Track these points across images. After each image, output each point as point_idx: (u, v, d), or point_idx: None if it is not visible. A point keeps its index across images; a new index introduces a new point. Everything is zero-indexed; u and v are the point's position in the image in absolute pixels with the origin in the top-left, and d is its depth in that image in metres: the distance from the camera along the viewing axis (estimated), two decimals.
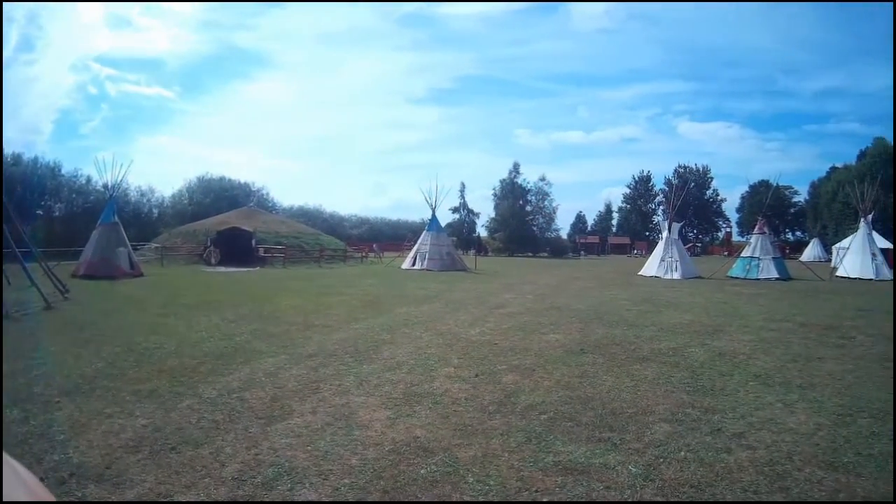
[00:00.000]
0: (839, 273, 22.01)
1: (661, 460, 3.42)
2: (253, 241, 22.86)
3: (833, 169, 52.62)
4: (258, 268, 20.21)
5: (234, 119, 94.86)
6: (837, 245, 31.32)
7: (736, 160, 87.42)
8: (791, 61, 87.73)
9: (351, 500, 2.68)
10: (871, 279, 20.37)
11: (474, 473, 3.03)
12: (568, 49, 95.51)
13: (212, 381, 4.67)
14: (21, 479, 0.54)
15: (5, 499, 0.47)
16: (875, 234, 25.29)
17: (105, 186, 17.27)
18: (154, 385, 4.51)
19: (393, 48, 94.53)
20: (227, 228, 23.77)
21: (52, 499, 0.61)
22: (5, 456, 0.53)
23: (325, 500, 2.65)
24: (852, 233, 25.48)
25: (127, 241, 16.47)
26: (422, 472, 3.00)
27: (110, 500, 2.49)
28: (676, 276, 20.00)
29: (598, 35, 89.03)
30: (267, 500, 2.61)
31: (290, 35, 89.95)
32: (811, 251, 42.74)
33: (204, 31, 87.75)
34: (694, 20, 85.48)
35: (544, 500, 2.85)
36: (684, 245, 26.68)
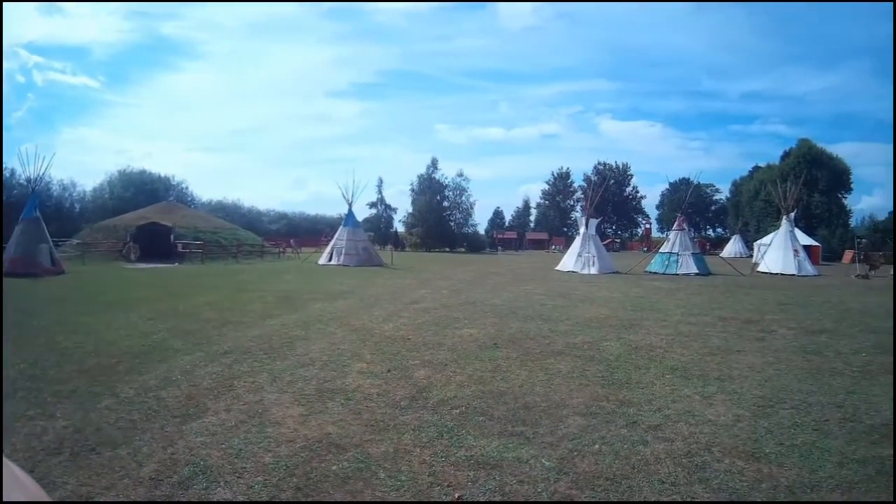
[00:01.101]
0: (761, 268, 31.66)
1: (576, 453, 4.58)
2: (172, 237, 31.94)
3: (756, 168, 75.37)
4: (177, 264, 28.47)
5: (157, 110, 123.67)
6: (759, 241, 44.06)
7: (658, 158, 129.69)
8: (718, 64, 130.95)
9: (265, 499, 3.74)
10: (793, 275, 28.68)
11: (386, 469, 4.11)
12: (492, 46, 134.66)
13: (129, 380, 6.38)
14: (19, 481, 0.76)
15: (5, 499, 0.68)
16: (798, 232, 35.31)
17: (28, 180, 24.43)
18: (74, 385, 6.13)
19: (317, 41, 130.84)
20: (146, 224, 32.97)
21: (50, 499, 0.85)
22: (4, 459, 0.73)
23: (260, 500, 3.70)
24: (774, 230, 35.99)
25: (48, 238, 22.63)
26: (333, 468, 4.09)
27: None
28: (594, 271, 27.61)
29: (523, 33, 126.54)
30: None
31: (216, 25, 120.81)
32: (732, 247, 60.28)
33: (132, 19, 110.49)
34: (622, 21, 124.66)
35: (457, 494, 3.80)
36: (603, 241, 35.14)
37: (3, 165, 41.88)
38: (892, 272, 29.52)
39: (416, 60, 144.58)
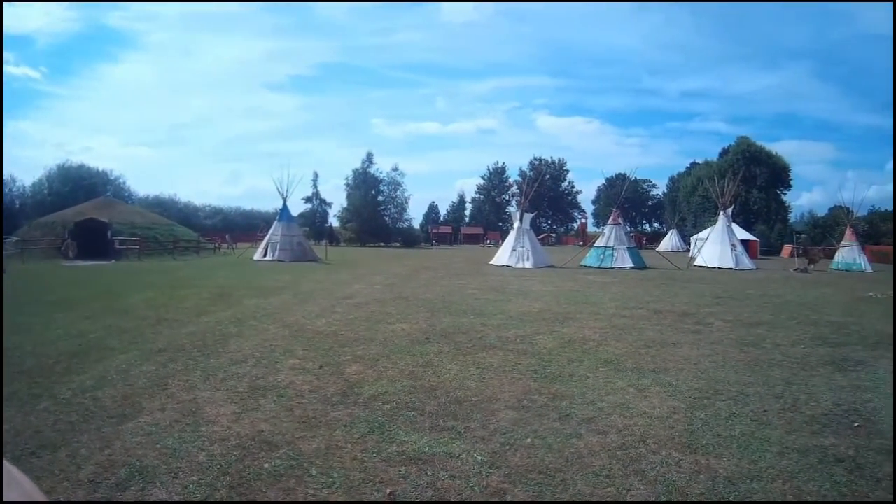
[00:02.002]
0: (697, 263, 33.49)
1: (507, 447, 4.78)
2: (109, 234, 33.46)
3: (693, 164, 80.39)
4: (114, 261, 30.21)
5: (98, 103, 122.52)
6: (696, 236, 46.90)
7: (595, 154, 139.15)
8: (659, 62, 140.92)
9: (200, 498, 3.93)
10: (730, 268, 30.70)
11: (318, 466, 4.35)
12: (431, 40, 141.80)
13: (67, 380, 6.61)
14: (17, 482, 0.82)
15: (4, 499, 0.74)
16: (735, 227, 37.66)
17: None
18: (14, 388, 6.29)
19: (256, 33, 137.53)
20: (83, 220, 34.41)
21: (46, 499, 0.92)
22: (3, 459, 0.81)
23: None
24: (711, 225, 37.74)
25: None
26: (266, 466, 4.33)
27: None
28: (528, 265, 28.84)
29: (463, 28, 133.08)
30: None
31: (158, 15, 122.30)
32: (669, 242, 64.03)
33: (76, 8, 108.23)
34: (564, 18, 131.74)
35: (388, 490, 4.01)
36: (538, 235, 37.08)
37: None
38: (830, 266, 31.81)
39: (355, 54, 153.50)
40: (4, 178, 54.56)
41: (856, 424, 5.70)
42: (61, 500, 3.86)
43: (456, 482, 4.16)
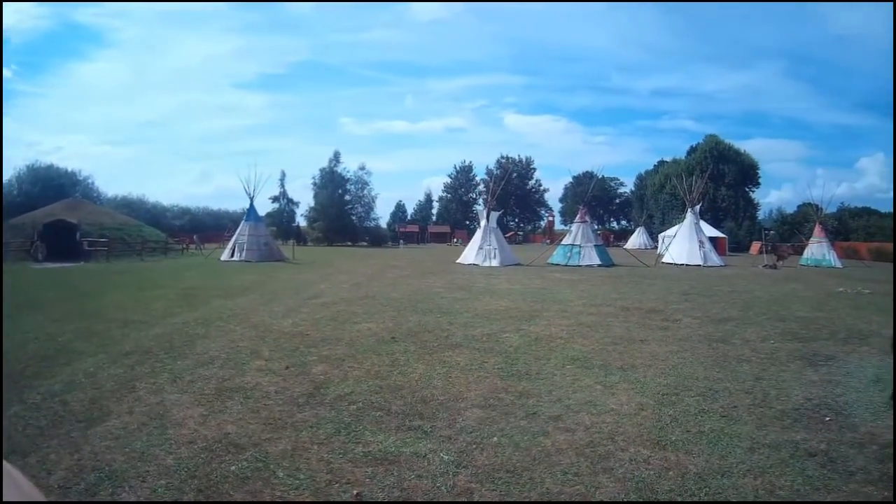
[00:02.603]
0: (665, 260, 34.14)
1: (474, 446, 4.87)
2: (78, 235, 33.16)
3: (661, 162, 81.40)
4: (83, 263, 29.97)
5: (68, 101, 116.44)
6: (664, 233, 47.75)
7: (562, 152, 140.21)
8: (628, 61, 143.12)
9: (169, 499, 4.03)
10: (699, 265, 31.47)
11: (284, 468, 4.43)
12: (401, 38, 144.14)
13: (36, 384, 6.66)
14: (16, 482, 0.88)
15: (4, 499, 0.81)
16: (703, 224, 38.56)
17: None
18: None
19: (226, 29, 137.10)
20: (52, 221, 34.04)
21: (45, 499, 0.99)
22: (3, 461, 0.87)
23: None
24: (679, 222, 38.49)
25: None
26: (232, 468, 4.39)
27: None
28: (495, 263, 29.46)
29: (432, 26, 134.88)
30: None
31: (129, 11, 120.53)
32: (637, 239, 65.73)
33: (48, 6, 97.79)
34: (532, 17, 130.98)
35: (355, 491, 4.09)
36: (505, 234, 37.72)
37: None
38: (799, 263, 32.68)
39: (325, 52, 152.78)
40: None
41: (827, 419, 5.80)
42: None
43: (423, 482, 4.23)
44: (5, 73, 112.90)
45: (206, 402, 6.08)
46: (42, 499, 0.96)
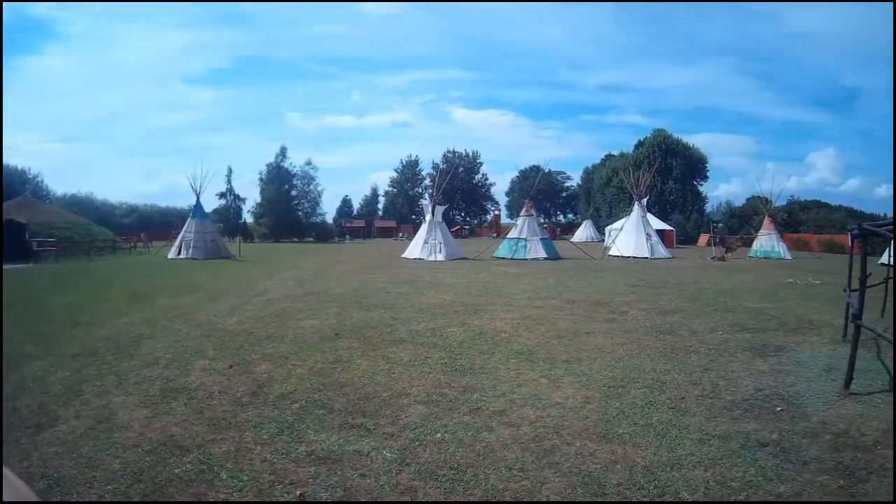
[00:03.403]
0: (612, 252, 35.01)
1: (417, 443, 4.93)
2: (27, 235, 33.25)
3: (608, 156, 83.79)
4: (32, 263, 29.81)
5: (16, 97, 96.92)
6: (610, 226, 48.72)
7: (509, 147, 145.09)
8: (577, 56, 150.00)
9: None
10: (646, 258, 32.33)
11: (228, 469, 4.48)
12: (349, 32, 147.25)
13: None
14: (13, 485, 0.95)
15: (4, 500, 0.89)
16: (651, 217, 39.38)
17: None
18: None
19: (176, 24, 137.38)
20: (2, 221, 32.86)
21: (42, 500, 1.18)
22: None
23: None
24: (626, 215, 39.42)
25: None
26: (177, 471, 4.45)
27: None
28: (440, 257, 30.21)
29: (381, 20, 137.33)
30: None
31: (79, 5, 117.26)
32: (583, 232, 67.12)
33: None
34: (482, 12, 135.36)
35: (299, 492, 4.14)
36: (452, 228, 38.18)
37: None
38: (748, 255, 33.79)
39: (272, 46, 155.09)
40: None
41: (778, 409, 5.91)
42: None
43: (366, 481, 4.29)
44: None
45: (151, 403, 6.14)
46: (37, 499, 1.00)
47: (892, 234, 6.90)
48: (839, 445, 4.95)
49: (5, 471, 0.91)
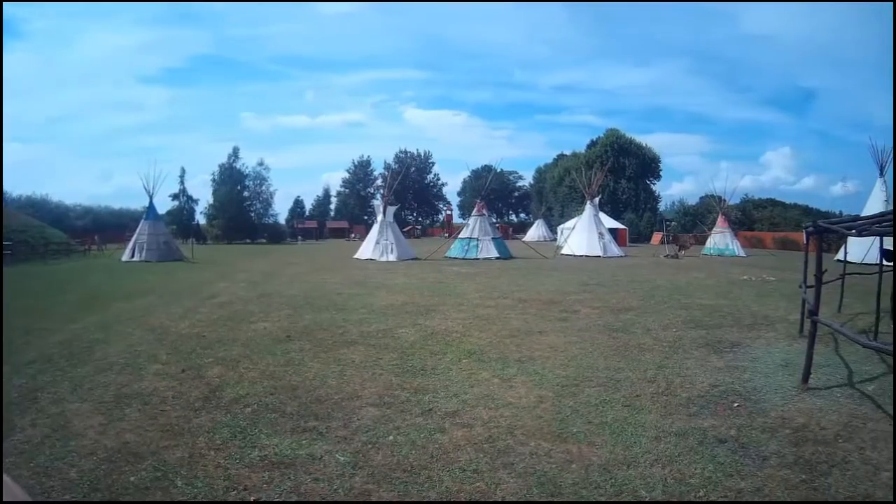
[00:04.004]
0: (565, 252, 35.58)
1: (370, 446, 4.99)
2: None
3: (561, 156, 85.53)
4: None
5: None
6: (562, 226, 49.67)
7: (462, 146, 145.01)
8: (532, 57, 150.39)
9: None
10: (598, 256, 33.10)
11: (182, 476, 4.50)
12: (304, 31, 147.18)
13: None
14: (11, 491, 1.07)
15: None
16: (603, 215, 40.21)
17: None
18: None
19: (133, 21, 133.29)
20: None
21: (32, 500, 1.29)
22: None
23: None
24: (579, 214, 40.27)
25: None
26: (132, 479, 4.48)
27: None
28: (392, 258, 30.64)
29: (335, 19, 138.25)
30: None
31: (35, 3, 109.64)
32: (536, 231, 68.48)
33: None
34: (437, 13, 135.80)
35: (252, 498, 4.19)
36: (404, 228, 38.41)
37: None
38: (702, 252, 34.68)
39: (229, 45, 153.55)
40: None
41: (735, 404, 6.01)
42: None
43: (319, 485, 4.33)
44: None
45: (105, 410, 6.13)
46: (37, 500, 1.07)
47: (847, 232, 7.07)
48: (799, 440, 5.04)
49: (5, 477, 0.97)
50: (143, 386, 6.98)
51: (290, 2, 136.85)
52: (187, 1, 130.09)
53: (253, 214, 68.99)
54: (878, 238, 9.53)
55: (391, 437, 5.19)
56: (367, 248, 32.49)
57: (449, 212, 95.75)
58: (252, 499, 4.13)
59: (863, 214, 12.14)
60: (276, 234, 69.83)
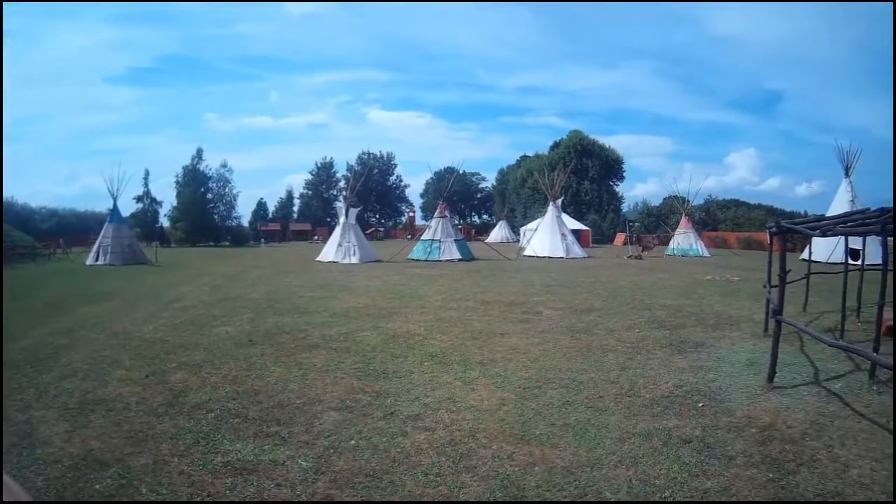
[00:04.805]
0: (527, 253, 35.80)
1: (332, 451, 5.00)
2: None
3: (524, 157, 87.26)
4: None
5: None
6: (525, 227, 50.03)
7: (425, 148, 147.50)
8: (496, 58, 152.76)
9: None
10: (561, 257, 33.63)
11: (147, 483, 4.51)
12: (270, 32, 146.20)
13: None
14: (12, 491, 1.13)
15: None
16: (566, 217, 40.79)
17: None
18: None
19: (101, 19, 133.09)
20: None
21: (31, 499, 1.49)
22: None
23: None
24: (542, 216, 40.49)
25: None
26: (97, 487, 4.48)
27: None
28: (354, 260, 30.98)
29: (301, 20, 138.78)
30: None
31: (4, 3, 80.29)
32: (498, 233, 69.50)
33: None
34: (402, 14, 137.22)
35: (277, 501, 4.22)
36: (367, 230, 38.29)
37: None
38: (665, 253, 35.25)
39: (195, 45, 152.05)
40: None
41: (700, 404, 6.07)
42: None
43: (282, 491, 4.34)
44: None
45: (70, 416, 6.13)
46: (36, 500, 1.03)
47: (810, 232, 7.20)
48: (766, 439, 5.10)
49: (5, 477, 0.99)
50: (108, 392, 6.97)
51: (256, 2, 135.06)
52: (154, 1, 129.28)
53: (216, 217, 68.97)
54: (843, 237, 9.72)
55: (353, 442, 5.20)
56: (330, 251, 32.68)
57: (412, 213, 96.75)
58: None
59: (828, 214, 12.42)
60: (239, 237, 70.03)
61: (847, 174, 30.35)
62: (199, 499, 4.26)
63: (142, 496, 4.31)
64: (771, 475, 4.37)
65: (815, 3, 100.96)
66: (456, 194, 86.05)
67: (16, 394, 6.98)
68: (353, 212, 34.09)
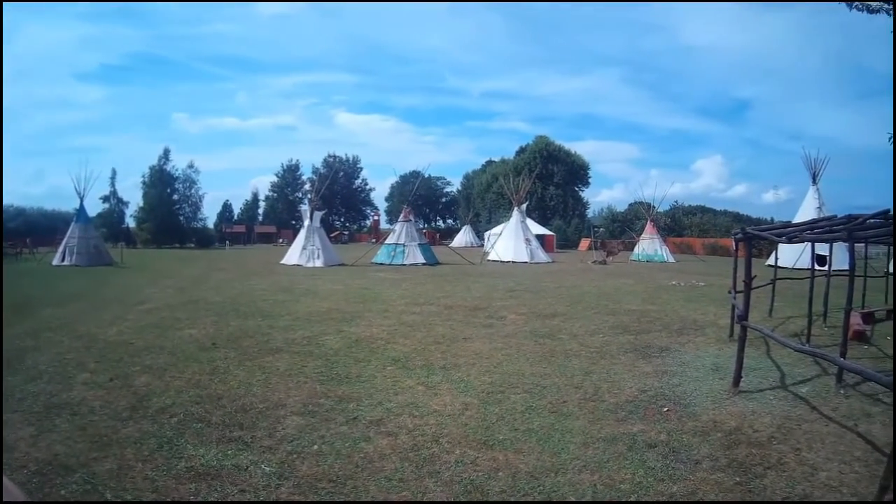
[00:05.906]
0: (491, 257, 36.28)
1: (295, 456, 5.01)
2: None
3: (489, 162, 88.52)
4: None
5: None
6: (489, 231, 50.83)
7: (391, 151, 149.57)
8: (465, 63, 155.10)
9: None
10: (525, 262, 34.15)
11: (111, 489, 4.50)
12: (240, 32, 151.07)
13: None
14: (10, 493, 1.12)
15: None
16: (531, 222, 41.64)
17: None
18: None
19: (74, 15, 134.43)
20: None
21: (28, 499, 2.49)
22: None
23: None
24: (506, 220, 41.04)
25: None
26: (63, 492, 4.46)
27: (111, 500, 4.34)
28: (319, 263, 31.09)
29: (270, 20, 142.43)
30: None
31: None
32: (463, 237, 69.27)
33: None
34: (372, 16, 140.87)
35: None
36: (331, 233, 38.31)
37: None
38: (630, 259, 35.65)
39: (165, 43, 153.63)
40: None
41: (665, 409, 6.14)
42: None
43: (246, 496, 4.34)
44: None
45: (35, 420, 6.11)
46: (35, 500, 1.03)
47: (776, 239, 7.33)
48: (732, 443, 5.17)
49: (4, 478, 0.99)
50: (73, 395, 6.93)
51: (227, 1, 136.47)
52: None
53: (182, 218, 69.17)
54: (809, 244, 9.93)
55: (316, 447, 5.19)
56: (295, 254, 32.89)
57: (376, 217, 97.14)
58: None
59: (794, 221, 12.65)
60: (204, 239, 70.15)
61: (814, 181, 31.22)
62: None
63: (107, 502, 4.32)
64: (738, 479, 4.42)
65: (785, 11, 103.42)
66: (421, 198, 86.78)
67: None
68: (318, 215, 34.18)
